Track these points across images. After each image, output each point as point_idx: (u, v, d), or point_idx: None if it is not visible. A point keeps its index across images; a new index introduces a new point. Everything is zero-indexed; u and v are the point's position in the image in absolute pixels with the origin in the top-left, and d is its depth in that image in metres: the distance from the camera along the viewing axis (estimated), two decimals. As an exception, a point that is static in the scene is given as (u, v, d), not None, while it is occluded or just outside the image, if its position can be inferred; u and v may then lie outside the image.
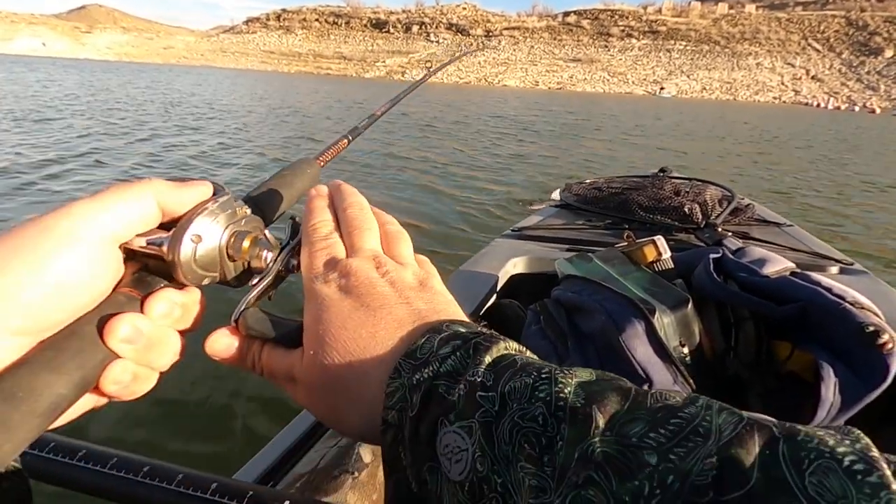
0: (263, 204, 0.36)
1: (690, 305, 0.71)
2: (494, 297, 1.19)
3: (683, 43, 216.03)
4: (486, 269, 1.25)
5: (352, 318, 0.30)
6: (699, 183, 1.76)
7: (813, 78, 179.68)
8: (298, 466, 0.50)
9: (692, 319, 0.71)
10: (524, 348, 0.29)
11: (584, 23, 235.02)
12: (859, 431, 0.19)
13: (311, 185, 0.40)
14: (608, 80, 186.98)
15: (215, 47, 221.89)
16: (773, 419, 0.20)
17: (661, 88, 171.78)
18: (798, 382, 0.68)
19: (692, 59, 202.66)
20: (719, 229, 1.38)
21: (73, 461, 0.27)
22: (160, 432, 1.64)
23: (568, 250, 1.31)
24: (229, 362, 0.32)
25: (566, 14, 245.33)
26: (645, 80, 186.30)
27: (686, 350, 0.69)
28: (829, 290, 0.67)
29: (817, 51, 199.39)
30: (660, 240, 0.88)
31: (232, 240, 0.31)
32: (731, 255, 0.83)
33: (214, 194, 0.31)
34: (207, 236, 0.30)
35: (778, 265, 0.79)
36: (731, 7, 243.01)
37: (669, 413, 0.22)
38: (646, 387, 0.66)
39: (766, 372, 0.72)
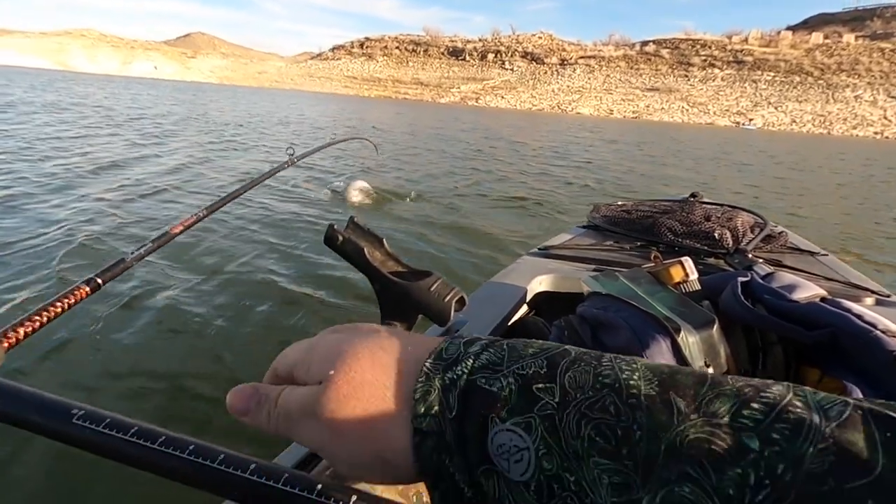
0: None
1: (716, 326, 0.70)
2: (519, 313, 1.19)
3: (772, 73, 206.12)
4: (512, 285, 1.26)
5: (376, 335, 0.30)
6: (730, 209, 1.74)
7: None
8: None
9: (718, 341, 0.70)
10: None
11: (664, 52, 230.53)
12: None
13: None
14: (687, 110, 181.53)
15: (304, 72, 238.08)
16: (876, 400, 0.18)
17: (750, 119, 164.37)
18: None
19: (781, 90, 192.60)
20: (750, 255, 1.36)
21: (127, 437, 0.29)
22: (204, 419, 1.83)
23: (594, 270, 1.32)
24: (247, 417, 0.30)
25: (644, 43, 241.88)
26: (727, 111, 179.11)
27: (711, 371, 0.66)
28: (859, 317, 0.66)
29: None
30: (687, 261, 0.88)
31: None
32: (759, 280, 0.82)
33: None
34: None
35: (808, 291, 0.78)
36: (826, 37, 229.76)
37: (756, 389, 0.20)
38: None
39: None
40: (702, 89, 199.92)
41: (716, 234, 1.46)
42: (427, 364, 0.26)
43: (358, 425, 0.26)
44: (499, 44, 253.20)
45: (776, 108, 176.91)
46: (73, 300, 0.57)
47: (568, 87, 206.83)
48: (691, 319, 0.71)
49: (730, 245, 1.42)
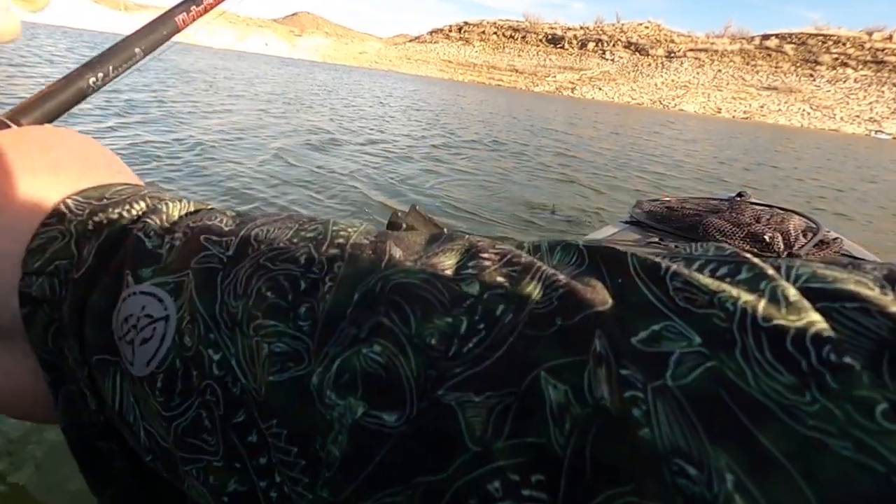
0: None
1: None
2: None
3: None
4: None
5: (29, 136, 0.19)
6: (781, 211, 1.67)
7: None
8: None
9: None
10: None
11: (787, 47, 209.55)
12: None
13: None
14: (808, 114, 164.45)
15: (401, 54, 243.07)
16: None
17: None
18: None
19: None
20: None
21: None
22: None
23: None
24: None
25: (765, 37, 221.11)
26: (858, 117, 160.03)
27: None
28: None
29: None
30: None
31: None
32: None
33: None
34: None
35: None
36: None
37: (491, 243, 0.16)
38: None
39: None
40: (829, 91, 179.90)
41: (766, 237, 1.40)
42: (67, 201, 0.17)
43: None
44: (601, 32, 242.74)
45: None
46: None
47: (673, 81, 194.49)
48: None
49: (781, 249, 1.38)
